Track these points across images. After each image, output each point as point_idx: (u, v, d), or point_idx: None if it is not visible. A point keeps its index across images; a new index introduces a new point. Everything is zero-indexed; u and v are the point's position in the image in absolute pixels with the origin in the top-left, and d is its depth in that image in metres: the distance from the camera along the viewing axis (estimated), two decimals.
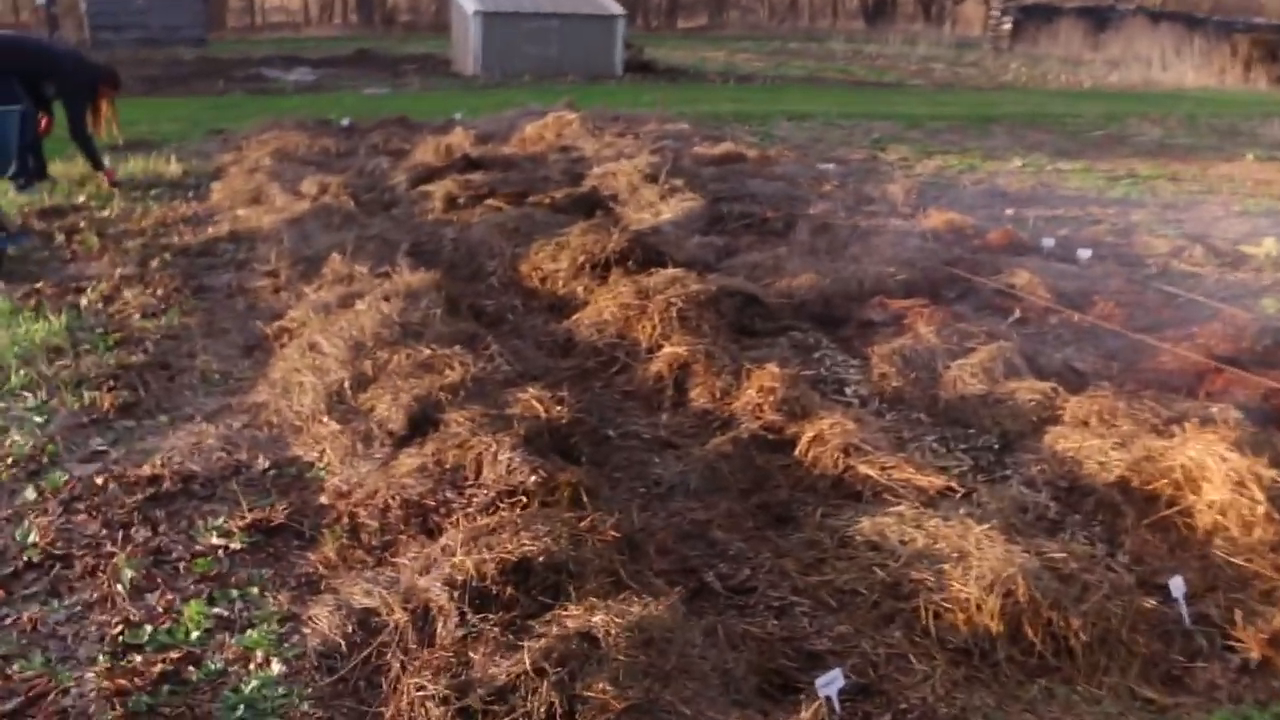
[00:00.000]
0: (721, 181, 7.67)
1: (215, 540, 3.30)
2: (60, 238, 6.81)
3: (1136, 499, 3.52)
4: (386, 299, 4.83)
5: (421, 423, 3.85)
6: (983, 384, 4.30)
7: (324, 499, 3.55)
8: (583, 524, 2.97)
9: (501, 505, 3.17)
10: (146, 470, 3.71)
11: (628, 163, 7.56)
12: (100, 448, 3.95)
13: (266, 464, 3.82)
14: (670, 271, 5.14)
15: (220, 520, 3.40)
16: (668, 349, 4.47)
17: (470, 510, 3.18)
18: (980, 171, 9.46)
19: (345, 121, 11.13)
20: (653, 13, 38.01)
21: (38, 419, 4.16)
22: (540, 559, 2.79)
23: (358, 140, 10.21)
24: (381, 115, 11.45)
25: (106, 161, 8.57)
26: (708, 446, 3.73)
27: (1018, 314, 5.35)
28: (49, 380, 4.45)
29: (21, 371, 4.52)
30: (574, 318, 4.98)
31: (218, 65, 19.17)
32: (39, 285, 5.73)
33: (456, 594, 2.73)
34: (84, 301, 5.45)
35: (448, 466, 3.44)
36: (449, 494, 3.30)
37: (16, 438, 3.98)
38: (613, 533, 2.93)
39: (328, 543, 3.26)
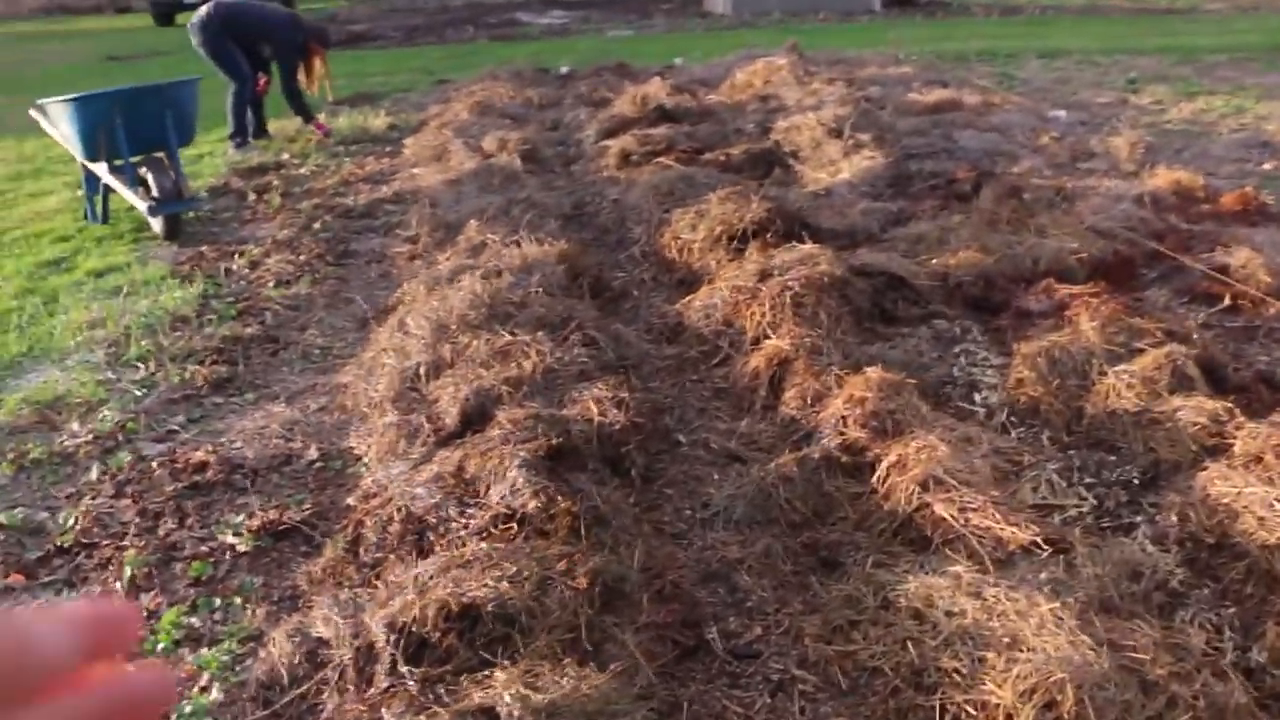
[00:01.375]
0: (921, 135, 6.89)
1: (229, 539, 3.18)
2: (251, 197, 7.04)
3: None
4: (490, 275, 4.58)
5: (475, 419, 3.57)
6: (1140, 398, 3.53)
7: (351, 500, 3.35)
8: (560, 565, 2.60)
9: (495, 531, 2.85)
10: (199, 456, 3.65)
11: (813, 115, 6.92)
12: (175, 426, 3.95)
13: (316, 455, 3.68)
14: (805, 248, 4.59)
15: (241, 518, 3.28)
16: (770, 342, 3.96)
17: (464, 534, 2.88)
18: (1247, 115, 8.06)
19: (563, 69, 10.99)
20: None
21: (138, 392, 4.22)
22: (490, 606, 2.45)
23: (568, 89, 10.03)
24: (600, 61, 11.21)
25: (321, 117, 8.84)
26: (770, 465, 3.23)
27: (1227, 302, 4.43)
28: (163, 352, 4.52)
29: (143, 342, 4.62)
30: (688, 299, 4.54)
31: (479, 10, 19.63)
32: (203, 249, 5.90)
33: (394, 638, 2.45)
34: (233, 266, 5.55)
35: (467, 477, 3.15)
36: (452, 511, 3.01)
37: (107, 412, 4.04)
38: (583, 580, 2.54)
39: (327, 553, 3.06)
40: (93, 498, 3.46)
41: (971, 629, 2.45)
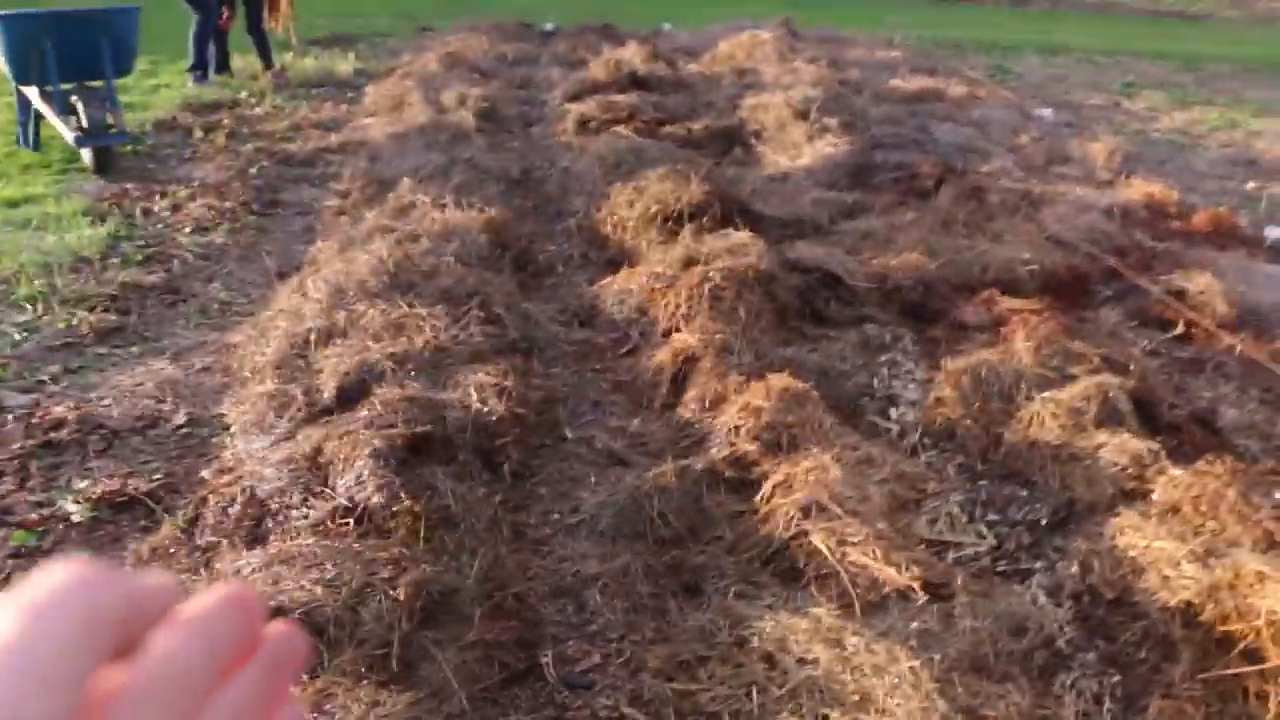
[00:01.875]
0: (895, 124, 6.61)
1: (68, 506, 2.95)
2: (198, 134, 6.76)
3: (1200, 640, 2.53)
4: (405, 240, 4.33)
5: (353, 395, 3.34)
6: (1063, 429, 3.30)
7: (205, 473, 3.12)
8: (386, 571, 2.38)
9: (331, 526, 2.62)
10: (58, 411, 3.41)
11: (782, 95, 6.64)
12: (45, 377, 3.70)
13: (183, 420, 3.44)
14: (737, 236, 4.34)
15: (85, 483, 3.05)
16: (680, 335, 3.72)
17: (300, 525, 2.66)
18: (1239, 130, 7.79)
19: (548, 26, 10.66)
20: None
21: (17, 336, 3.98)
22: (297, 612, 2.23)
23: (548, 47, 9.72)
24: (584, 20, 10.87)
25: (288, 57, 8.54)
26: (649, 474, 3.00)
27: (1179, 330, 4.21)
28: (55, 294, 4.27)
29: (36, 282, 4.36)
30: (605, 281, 4.29)
31: None
32: (129, 186, 5.63)
33: None
34: (154, 208, 5.28)
35: (321, 462, 2.92)
36: (296, 498, 2.78)
37: None
38: (406, 590, 2.32)
39: (163, 531, 2.83)
40: None
41: (821, 682, 2.23)
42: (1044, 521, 3.00)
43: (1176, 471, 3.06)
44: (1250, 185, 6.41)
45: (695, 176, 4.71)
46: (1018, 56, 10.51)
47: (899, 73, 8.29)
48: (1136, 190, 5.70)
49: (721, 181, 4.95)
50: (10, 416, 3.41)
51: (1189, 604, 2.58)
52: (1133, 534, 2.83)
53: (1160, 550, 2.74)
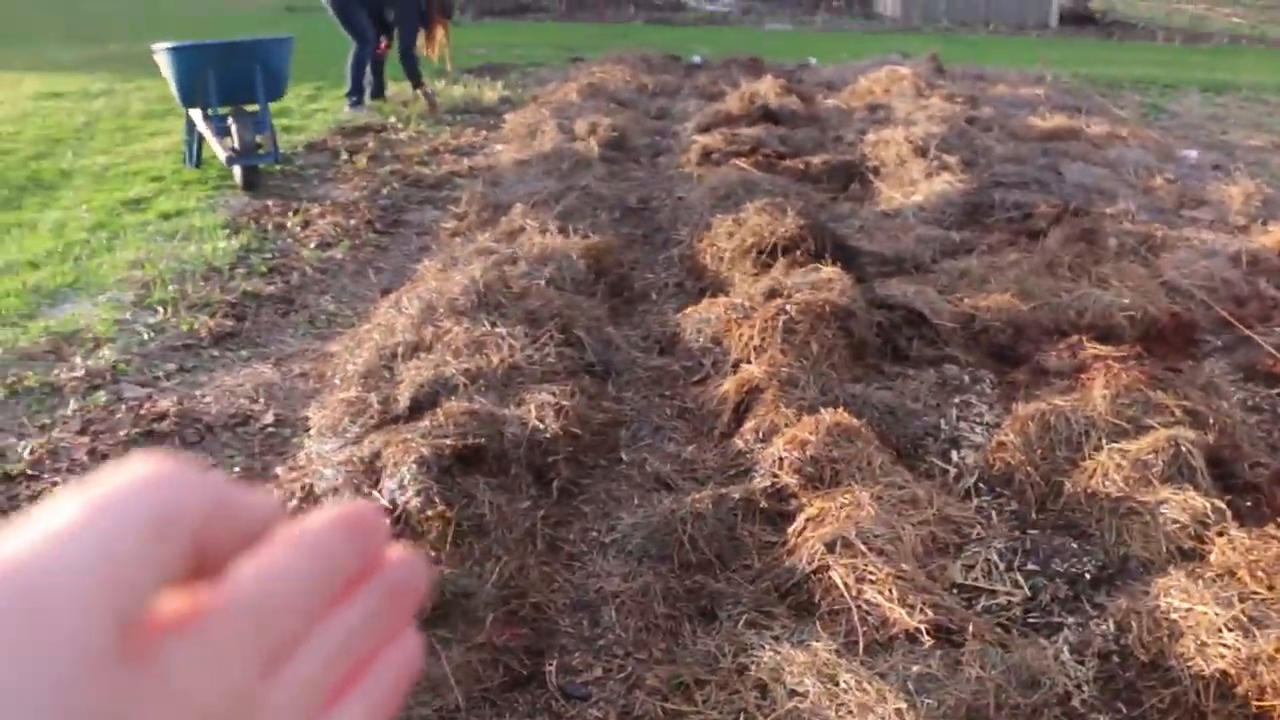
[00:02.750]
0: (1020, 162, 6.47)
1: None
2: (344, 156, 7.18)
3: (1230, 713, 2.42)
4: (504, 262, 4.52)
5: (425, 406, 3.52)
6: (1126, 483, 3.20)
7: (279, 470, 3.35)
8: None
9: None
10: (163, 405, 3.72)
11: (903, 131, 6.59)
12: (162, 374, 4.03)
13: (271, 420, 3.70)
14: (826, 271, 4.36)
15: None
16: (747, 367, 3.77)
17: None
18: None
19: (695, 59, 10.83)
20: None
21: (146, 336, 4.34)
22: None
23: (691, 79, 9.88)
24: (734, 53, 11.00)
25: (440, 83, 8.96)
26: (686, 499, 3.06)
27: None
28: (185, 299, 4.64)
29: (170, 287, 4.75)
30: (688, 310, 4.37)
31: None
32: (269, 203, 6.03)
33: None
34: (287, 223, 5.65)
35: (376, 465, 3.10)
36: (346, 496, 2.96)
37: (108, 351, 4.17)
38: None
39: None
40: (59, 431, 3.56)
41: (806, 715, 2.25)
42: (1088, 576, 2.92)
43: (1237, 533, 2.93)
44: None
45: (791, 210, 4.74)
46: (1178, 95, 10.08)
47: (1038, 110, 8.09)
48: (1272, 237, 5.42)
49: (818, 216, 4.97)
50: (124, 406, 3.73)
51: (1224, 674, 2.48)
52: (1178, 595, 2.72)
53: (1203, 615, 2.63)
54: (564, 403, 3.41)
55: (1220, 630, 2.57)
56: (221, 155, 6.23)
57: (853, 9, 17.79)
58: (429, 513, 2.77)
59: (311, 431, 3.57)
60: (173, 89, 6.48)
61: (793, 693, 2.32)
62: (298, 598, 0.31)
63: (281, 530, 0.32)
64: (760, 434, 3.41)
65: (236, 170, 6.36)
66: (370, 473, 3.04)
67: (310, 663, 0.31)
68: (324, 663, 0.32)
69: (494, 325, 3.93)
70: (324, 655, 0.32)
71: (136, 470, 0.29)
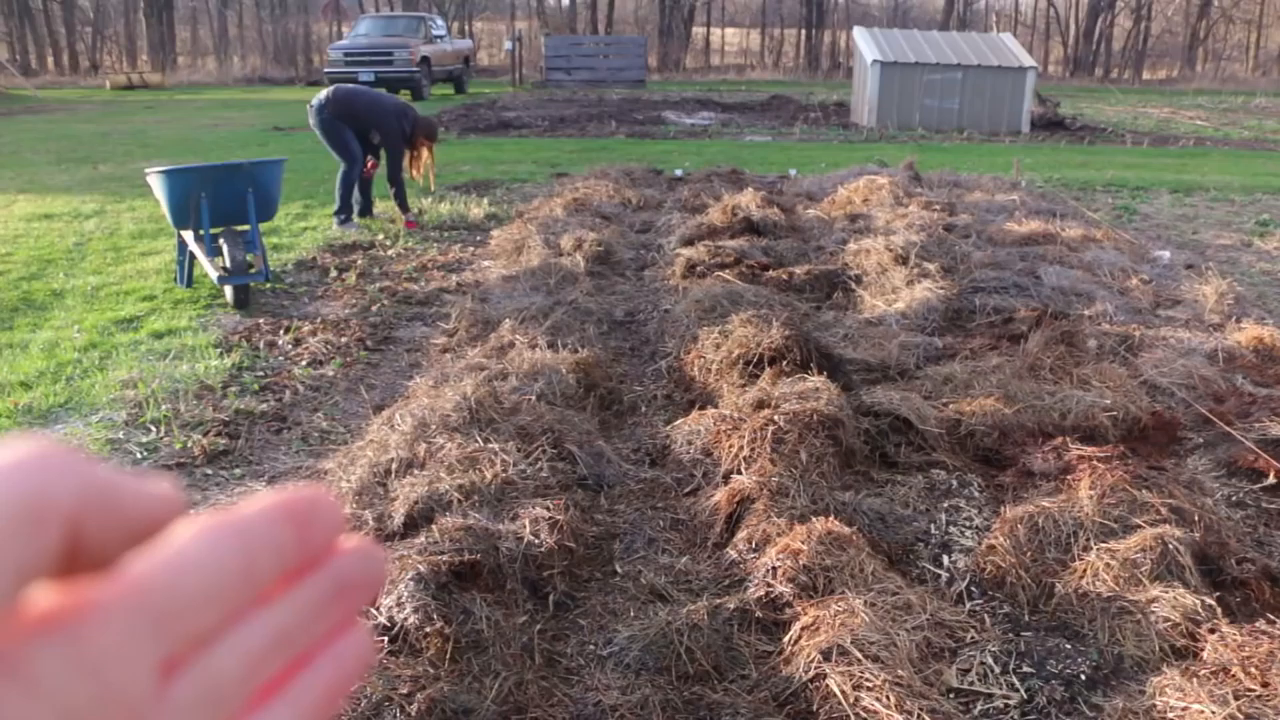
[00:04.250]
0: (999, 267, 6.63)
1: None
2: (333, 274, 7.30)
3: None
4: (495, 378, 4.59)
5: (420, 523, 3.55)
6: (1116, 582, 3.23)
7: None
8: (406, 688, 2.52)
9: None
10: None
11: (883, 239, 6.75)
12: None
13: None
14: (812, 380, 4.44)
15: None
16: (738, 478, 3.81)
17: None
18: None
19: (678, 172, 11.10)
20: (1115, 62, 34.92)
21: (139, 454, 4.37)
22: None
23: (674, 192, 10.12)
24: (715, 165, 11.29)
25: (426, 201, 9.16)
26: (682, 611, 3.07)
27: (1270, 480, 4.06)
28: (177, 418, 4.67)
29: (163, 406, 4.79)
30: (679, 422, 4.43)
31: (631, 106, 20.16)
32: (260, 321, 6.12)
33: None
34: (278, 341, 5.73)
35: None
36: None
37: None
38: (420, 705, 2.45)
39: None
40: None
41: None
42: (1083, 676, 2.93)
43: (1228, 629, 2.96)
44: None
45: (776, 321, 4.84)
46: (1148, 196, 10.36)
47: (1015, 215, 8.31)
48: (1246, 334, 5.54)
49: (803, 326, 5.07)
50: None
51: None
52: (1174, 694, 2.74)
53: (1199, 714, 2.65)
54: (558, 516, 3.44)
55: None
56: (213, 274, 6.33)
57: (830, 119, 18.29)
58: (427, 629, 2.78)
59: None
60: (165, 211, 6.60)
61: None
62: (211, 589, 0.28)
63: (202, 517, 0.30)
64: (753, 543, 3.44)
65: (228, 289, 6.45)
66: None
67: (229, 659, 0.29)
68: (248, 659, 0.30)
69: (486, 441, 3.98)
70: (248, 651, 0.30)
71: (5, 453, 0.26)
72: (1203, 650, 2.93)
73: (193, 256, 6.78)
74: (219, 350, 5.53)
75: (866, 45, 17.55)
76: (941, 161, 11.87)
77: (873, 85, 17.14)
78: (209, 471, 4.27)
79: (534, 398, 4.44)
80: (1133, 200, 10.10)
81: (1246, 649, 2.85)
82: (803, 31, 41.55)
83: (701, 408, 4.70)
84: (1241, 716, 2.60)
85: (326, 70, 23.46)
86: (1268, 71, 34.28)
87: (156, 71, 33.64)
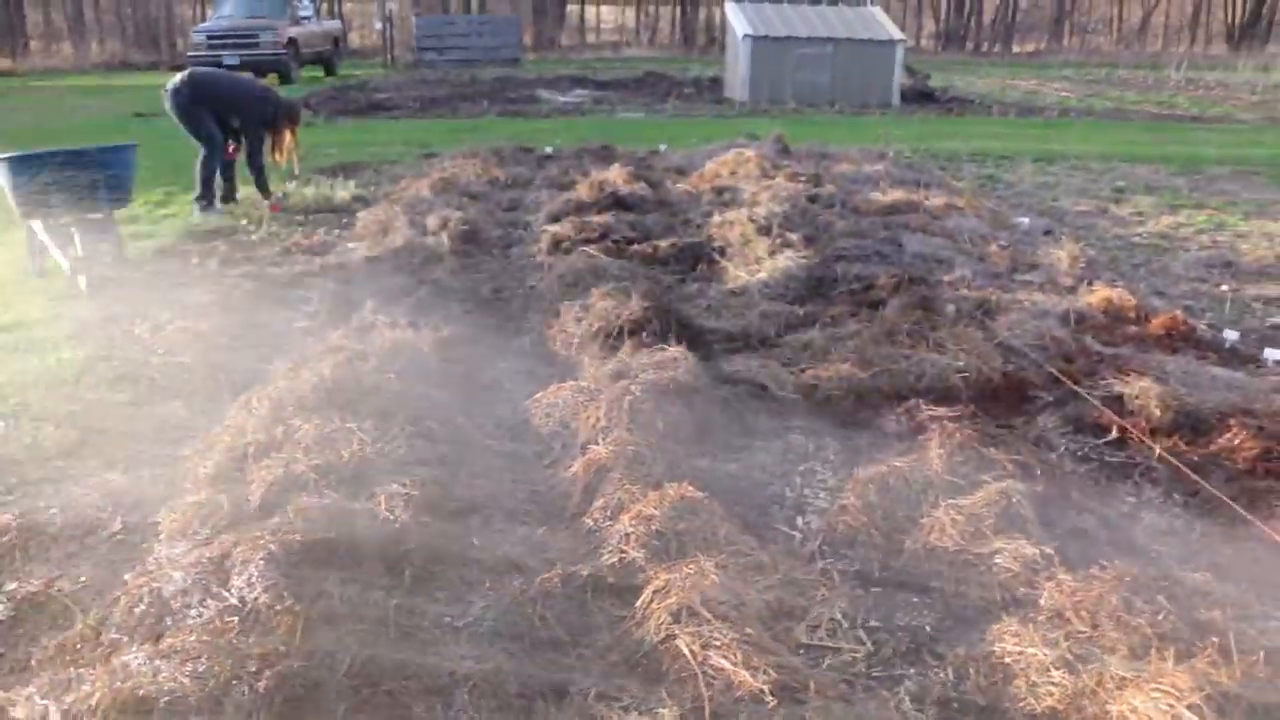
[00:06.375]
0: (861, 236, 6.78)
1: None
2: (194, 261, 7.09)
3: None
4: (354, 359, 4.53)
5: (275, 505, 3.49)
6: (962, 536, 3.35)
7: (129, 575, 3.26)
8: (252, 666, 2.49)
9: (219, 623, 2.74)
10: (5, 518, 3.59)
11: (745, 211, 6.85)
12: (2, 488, 3.91)
13: (119, 527, 3.61)
14: (670, 351, 4.49)
15: (15, 584, 3.22)
16: (595, 448, 3.84)
17: (194, 623, 2.79)
18: (1225, 233, 7.88)
19: (548, 149, 11.06)
20: (986, 36, 35.94)
21: None
22: (163, 701, 2.35)
23: (544, 170, 10.08)
24: (586, 142, 11.27)
25: (291, 185, 8.96)
26: (537, 580, 3.09)
27: (1112, 436, 4.25)
28: (26, 411, 4.50)
29: (12, 400, 4.61)
30: (537, 397, 4.44)
31: (505, 85, 19.97)
32: (118, 310, 5.91)
33: None
34: (136, 331, 5.54)
35: (226, 565, 3.05)
36: (195, 598, 2.91)
37: None
38: (269, 681, 2.42)
39: (75, 629, 2.97)
40: None
41: None
42: (928, 628, 3.04)
43: (1064, 576, 3.10)
44: (1224, 287, 6.46)
45: (636, 294, 4.87)
46: (1013, 166, 10.71)
47: (880, 185, 8.50)
48: (1096, 296, 5.78)
49: (664, 298, 5.12)
50: None
51: (1054, 710, 2.61)
52: (1011, 640, 2.87)
53: (1033, 656, 2.77)
54: (414, 493, 3.42)
55: (1049, 669, 2.71)
56: (65, 265, 6.09)
57: (703, 95, 18.42)
58: (278, 608, 2.74)
59: (161, 536, 3.49)
60: (10, 200, 6.33)
61: None
62: None
63: None
64: (609, 512, 3.48)
65: (81, 279, 6.22)
66: (219, 572, 3.00)
67: None
68: None
69: (344, 421, 3.93)
70: None
71: None
72: (1040, 597, 3.06)
73: (43, 246, 6.51)
74: (73, 342, 5.33)
75: (738, 20, 17.69)
76: (812, 134, 12.07)
77: (744, 60, 17.30)
78: (60, 464, 4.13)
79: (393, 376, 4.39)
80: (997, 170, 10.44)
81: (1079, 594, 2.99)
82: (678, 8, 41.67)
83: (562, 381, 4.72)
84: (1071, 657, 2.73)
85: (189, 54, 22.60)
86: (1130, 44, 35.67)
87: (6, 57, 32.05)
